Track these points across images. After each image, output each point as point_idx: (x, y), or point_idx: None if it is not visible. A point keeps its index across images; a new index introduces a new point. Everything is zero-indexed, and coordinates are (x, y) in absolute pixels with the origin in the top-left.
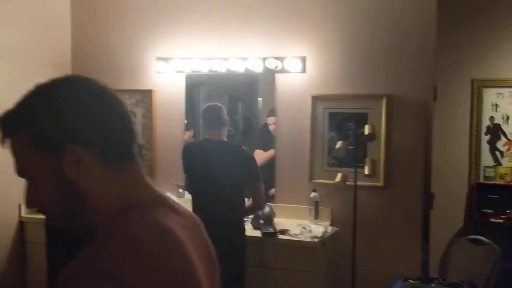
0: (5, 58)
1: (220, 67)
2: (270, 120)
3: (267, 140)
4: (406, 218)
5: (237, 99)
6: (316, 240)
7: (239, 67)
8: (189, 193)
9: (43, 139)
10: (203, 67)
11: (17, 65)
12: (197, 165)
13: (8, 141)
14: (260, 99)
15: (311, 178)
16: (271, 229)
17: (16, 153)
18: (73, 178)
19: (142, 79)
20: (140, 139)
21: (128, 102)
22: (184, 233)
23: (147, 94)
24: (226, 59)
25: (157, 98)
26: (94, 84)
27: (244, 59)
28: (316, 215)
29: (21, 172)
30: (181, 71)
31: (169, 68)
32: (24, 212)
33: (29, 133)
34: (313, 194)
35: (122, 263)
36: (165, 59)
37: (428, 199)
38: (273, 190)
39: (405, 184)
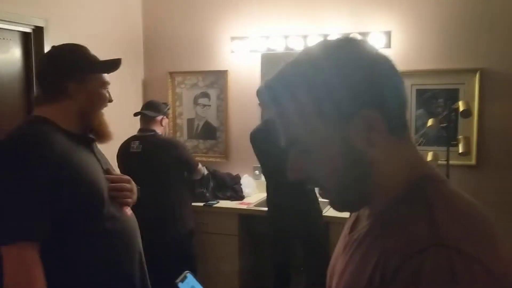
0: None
1: (298, 45)
2: None
3: None
4: (502, 198)
5: None
6: None
7: None
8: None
9: (331, 106)
10: (280, 46)
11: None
12: (262, 151)
13: (278, 111)
14: None
15: None
16: None
17: (288, 123)
18: (361, 147)
19: (216, 59)
20: (215, 121)
21: (202, 83)
22: None
23: (221, 75)
24: (304, 36)
25: (232, 79)
26: (370, 46)
27: (325, 36)
28: None
29: (290, 144)
30: (256, 50)
31: (244, 47)
32: None
33: (313, 101)
34: None
35: (467, 238)
36: (240, 38)
37: None
38: None
39: (499, 163)
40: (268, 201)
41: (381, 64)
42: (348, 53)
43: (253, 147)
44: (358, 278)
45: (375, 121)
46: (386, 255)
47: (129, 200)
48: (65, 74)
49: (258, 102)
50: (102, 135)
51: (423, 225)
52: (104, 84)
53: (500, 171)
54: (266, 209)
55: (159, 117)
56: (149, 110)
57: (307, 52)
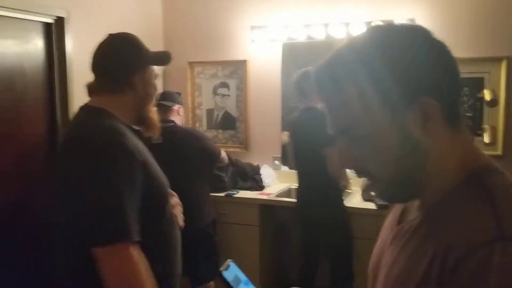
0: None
1: (319, 34)
2: None
3: None
4: None
5: None
6: None
7: (340, 33)
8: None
9: (393, 91)
10: (301, 35)
11: None
12: (299, 140)
13: (333, 95)
14: None
15: None
16: None
17: (344, 108)
18: (418, 135)
19: (236, 49)
20: (234, 111)
21: (222, 73)
22: None
23: (241, 65)
24: (326, 24)
25: (251, 69)
26: (431, 31)
27: (346, 24)
28: None
29: (342, 131)
30: (277, 40)
31: (264, 36)
32: None
33: (374, 84)
34: None
35: None
36: (260, 27)
37: None
38: None
39: None
40: (299, 191)
41: (443, 50)
42: (413, 37)
43: (290, 135)
44: (413, 270)
45: (433, 109)
46: (446, 247)
47: (181, 216)
48: (132, 65)
49: (297, 87)
50: (152, 126)
51: (487, 217)
52: (156, 75)
53: None
54: (287, 199)
55: (176, 107)
56: (166, 101)
57: (367, 35)
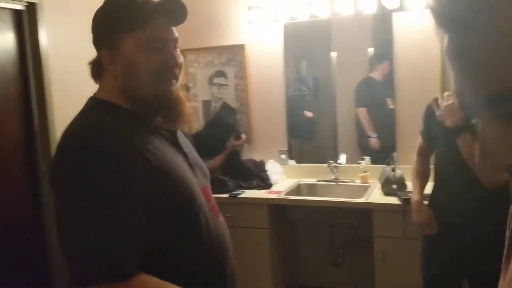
0: (82, 19)
1: (324, 12)
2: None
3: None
4: None
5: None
6: None
7: (347, 9)
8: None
9: None
10: (304, 14)
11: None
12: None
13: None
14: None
15: None
16: (410, 195)
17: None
18: None
19: (232, 33)
20: (233, 102)
21: (218, 61)
22: None
23: (238, 50)
24: (332, 0)
25: (250, 54)
26: None
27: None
28: None
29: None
30: (277, 20)
31: (263, 17)
32: None
33: None
34: None
35: None
36: (258, 8)
37: None
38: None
39: None
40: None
41: None
42: None
43: (429, 118)
44: None
45: None
46: None
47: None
48: (97, 39)
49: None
50: (175, 117)
51: None
52: (172, 39)
53: None
54: (300, 198)
55: None
56: None
57: None
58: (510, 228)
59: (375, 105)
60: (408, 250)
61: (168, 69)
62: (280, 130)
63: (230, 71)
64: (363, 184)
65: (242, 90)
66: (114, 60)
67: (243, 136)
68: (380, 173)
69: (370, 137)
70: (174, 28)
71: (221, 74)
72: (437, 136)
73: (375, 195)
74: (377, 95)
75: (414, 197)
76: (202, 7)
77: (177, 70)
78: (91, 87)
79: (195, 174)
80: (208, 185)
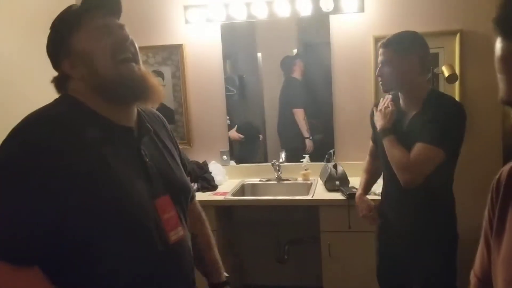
0: (12, 25)
1: (262, 13)
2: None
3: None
4: (485, 174)
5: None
6: None
7: (284, 11)
8: None
9: None
10: (241, 14)
11: (24, 31)
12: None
13: None
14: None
15: None
16: (354, 190)
17: None
18: None
19: (168, 32)
20: (171, 103)
21: (153, 60)
22: None
23: (175, 50)
24: (269, 2)
25: (188, 53)
26: None
27: (292, 1)
28: None
29: None
30: (214, 20)
31: (199, 17)
32: None
33: None
34: None
35: None
36: (195, 7)
37: (509, 148)
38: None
39: (482, 131)
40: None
41: None
42: None
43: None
44: None
45: None
46: None
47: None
48: (54, 57)
49: None
50: (145, 94)
51: None
52: (101, 28)
53: (484, 135)
54: (246, 198)
55: None
56: None
57: None
58: (499, 204)
59: (310, 104)
60: (353, 243)
61: (121, 46)
62: (222, 131)
63: (167, 71)
64: (305, 181)
65: (180, 91)
66: (75, 64)
67: None
68: (321, 170)
69: (306, 138)
70: (117, 20)
71: (157, 74)
72: (377, 137)
73: (320, 192)
74: (300, 95)
75: (358, 191)
76: (135, 5)
77: (131, 47)
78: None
79: (152, 184)
80: (167, 198)
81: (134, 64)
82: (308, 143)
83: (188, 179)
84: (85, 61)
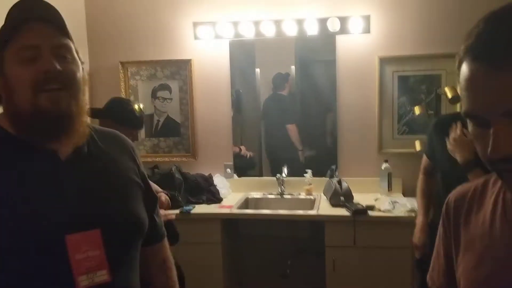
0: None
1: (270, 31)
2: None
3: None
4: None
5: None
6: (414, 214)
7: (291, 30)
8: None
9: None
10: (249, 32)
11: None
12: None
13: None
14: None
15: (380, 148)
16: (359, 206)
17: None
18: None
19: (178, 47)
20: (178, 116)
21: (161, 74)
22: None
23: (183, 65)
24: (277, 21)
25: (196, 69)
26: None
27: (300, 21)
28: (390, 187)
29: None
30: (223, 37)
31: (208, 33)
32: None
33: None
34: (384, 165)
35: None
36: (204, 24)
37: None
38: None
39: None
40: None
41: None
42: None
43: (434, 137)
44: None
45: None
46: None
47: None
48: None
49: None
50: (56, 134)
51: None
52: (27, 49)
53: None
54: (253, 211)
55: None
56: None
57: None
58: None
59: (307, 119)
60: (358, 258)
61: (45, 78)
62: (226, 144)
63: (175, 85)
64: (308, 196)
65: (187, 104)
66: (1, 84)
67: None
68: (325, 186)
69: (300, 150)
70: (60, 35)
71: (165, 87)
72: (441, 158)
73: (324, 207)
74: (291, 110)
75: (419, 218)
76: (144, 19)
77: (60, 75)
78: None
79: (73, 216)
80: (92, 233)
81: (62, 93)
82: (300, 155)
83: (153, 215)
84: (8, 84)
